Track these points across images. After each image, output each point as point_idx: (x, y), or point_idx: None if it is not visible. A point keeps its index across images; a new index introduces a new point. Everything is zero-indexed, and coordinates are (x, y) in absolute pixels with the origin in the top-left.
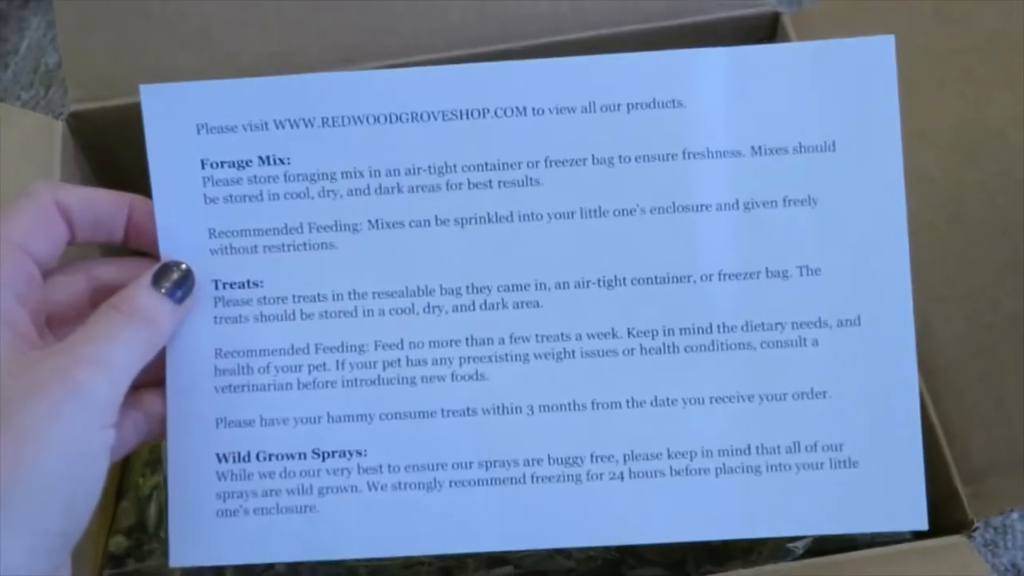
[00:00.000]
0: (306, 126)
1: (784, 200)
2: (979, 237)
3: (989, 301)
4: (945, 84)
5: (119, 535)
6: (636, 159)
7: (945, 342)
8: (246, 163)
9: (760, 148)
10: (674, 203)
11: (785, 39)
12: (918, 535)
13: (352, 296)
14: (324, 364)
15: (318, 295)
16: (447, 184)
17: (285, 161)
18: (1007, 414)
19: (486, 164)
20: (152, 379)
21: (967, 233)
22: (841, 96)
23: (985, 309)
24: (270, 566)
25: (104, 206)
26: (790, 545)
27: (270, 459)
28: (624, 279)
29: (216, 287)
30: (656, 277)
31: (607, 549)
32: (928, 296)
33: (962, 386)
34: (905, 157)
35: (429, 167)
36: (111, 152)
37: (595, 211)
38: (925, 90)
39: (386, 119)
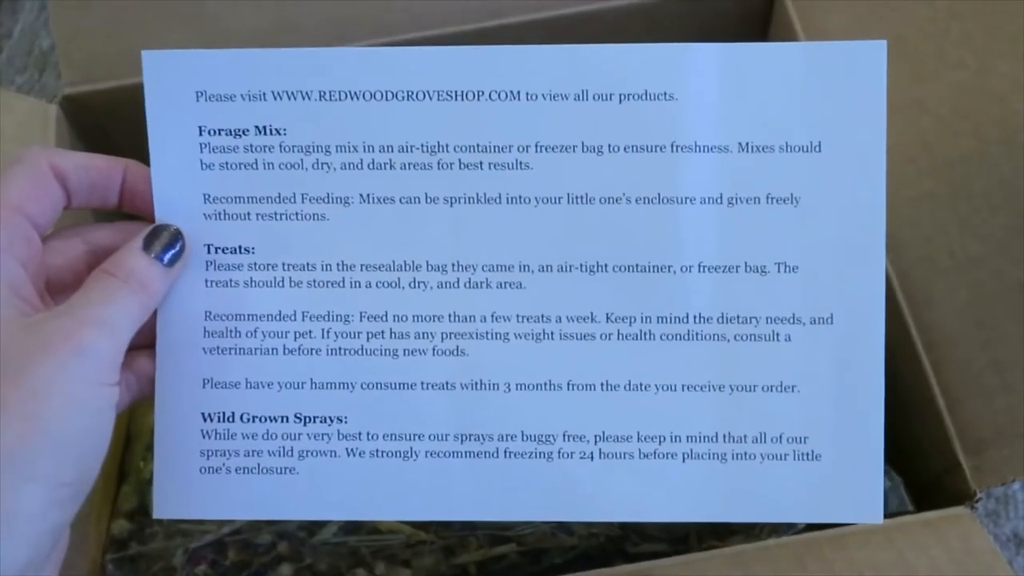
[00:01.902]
0: (303, 99)
1: (767, 197)
2: (981, 206)
3: (991, 271)
4: (944, 51)
5: (121, 519)
6: (625, 149)
7: (947, 312)
8: (243, 132)
9: (747, 145)
10: (659, 194)
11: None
12: (921, 506)
13: (340, 267)
14: (310, 332)
15: (307, 264)
16: (438, 163)
17: (281, 132)
18: (1009, 384)
19: (478, 146)
20: (144, 341)
21: (969, 202)
22: (830, 98)
23: (987, 279)
24: (273, 546)
25: (99, 169)
26: None
27: (253, 421)
28: (606, 265)
29: (208, 251)
30: (638, 265)
31: (610, 526)
32: (929, 266)
33: (964, 356)
34: (904, 126)
35: (422, 145)
36: (105, 134)
37: (582, 197)
38: (924, 58)
39: (382, 96)
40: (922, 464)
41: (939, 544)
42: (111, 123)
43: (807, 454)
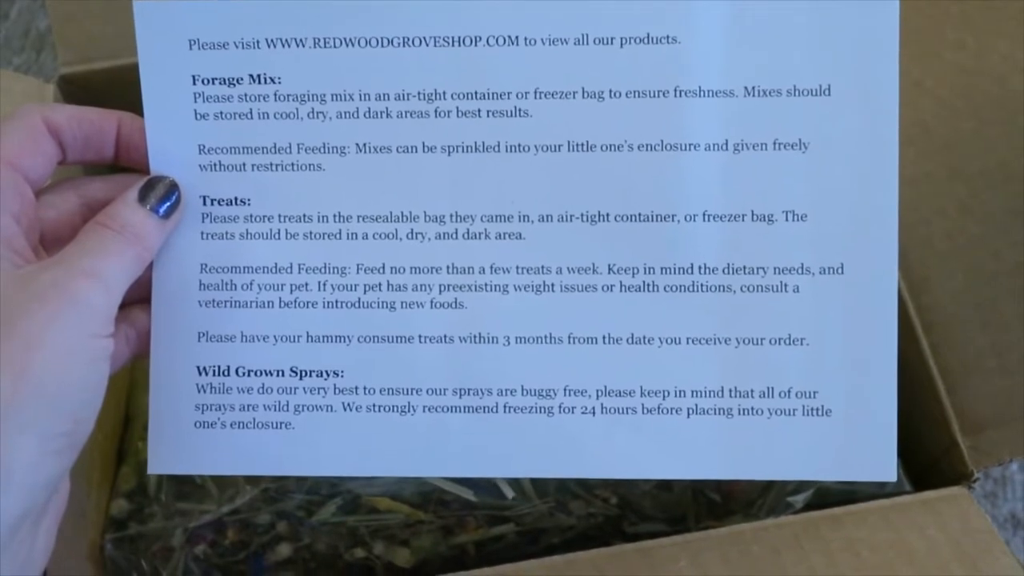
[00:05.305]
0: (298, 46)
1: (775, 143)
2: (979, 187)
3: (990, 252)
4: (944, 32)
5: (120, 499)
6: (627, 94)
7: (945, 294)
8: (237, 80)
9: (754, 89)
10: (663, 141)
11: None
12: (919, 487)
13: (337, 218)
14: (306, 284)
15: (304, 215)
16: (436, 111)
17: (276, 80)
18: (1007, 365)
19: (475, 93)
20: (142, 296)
21: (967, 183)
22: (840, 38)
23: (986, 260)
24: (272, 526)
25: (93, 123)
26: (790, 499)
27: (249, 375)
28: (608, 215)
29: (204, 203)
30: (640, 215)
31: (608, 505)
32: (928, 248)
33: (962, 338)
34: (903, 107)
35: (419, 93)
36: None
37: (583, 145)
38: (923, 38)
39: (377, 43)
40: (920, 445)
41: (937, 524)
42: (108, 103)
43: (817, 409)
